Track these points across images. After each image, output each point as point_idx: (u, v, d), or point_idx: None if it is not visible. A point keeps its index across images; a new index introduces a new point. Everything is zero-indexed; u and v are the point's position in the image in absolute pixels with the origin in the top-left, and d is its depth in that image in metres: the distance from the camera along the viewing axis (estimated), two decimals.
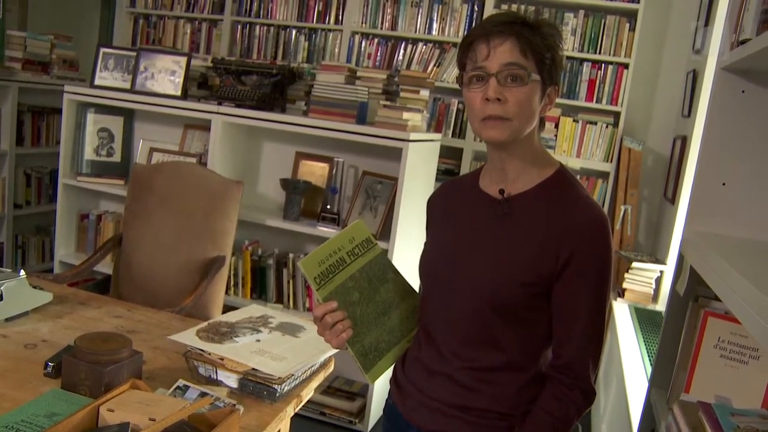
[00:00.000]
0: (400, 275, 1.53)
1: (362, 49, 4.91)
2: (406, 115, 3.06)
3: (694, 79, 3.82)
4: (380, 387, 3.24)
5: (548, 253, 1.28)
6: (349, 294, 1.40)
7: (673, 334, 1.53)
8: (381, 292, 1.47)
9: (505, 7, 4.52)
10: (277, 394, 1.61)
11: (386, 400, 1.58)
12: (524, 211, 1.34)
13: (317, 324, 1.39)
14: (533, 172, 1.36)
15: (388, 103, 3.17)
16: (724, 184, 1.46)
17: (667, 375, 1.51)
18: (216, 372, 1.65)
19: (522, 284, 1.29)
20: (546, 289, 1.30)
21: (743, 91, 1.41)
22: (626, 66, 4.29)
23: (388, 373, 1.54)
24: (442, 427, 1.39)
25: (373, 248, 1.48)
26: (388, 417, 1.56)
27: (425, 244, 1.53)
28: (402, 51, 4.80)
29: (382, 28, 4.85)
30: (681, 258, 1.52)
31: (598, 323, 1.31)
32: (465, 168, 4.53)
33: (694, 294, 1.41)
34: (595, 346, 1.32)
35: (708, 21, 3.77)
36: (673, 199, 3.86)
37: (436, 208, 1.55)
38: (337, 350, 1.75)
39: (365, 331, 1.42)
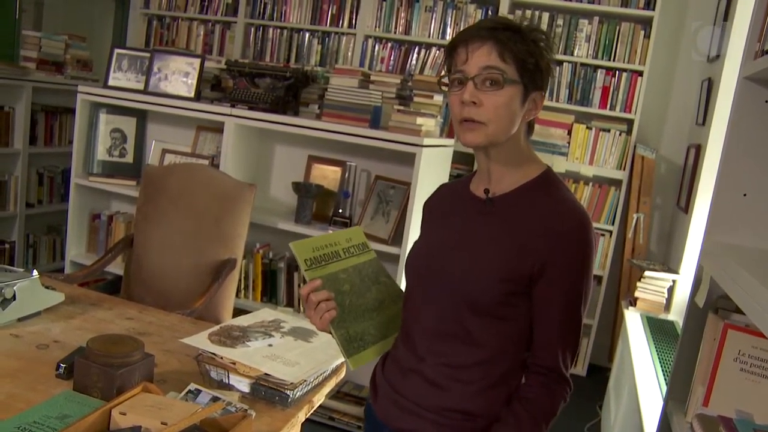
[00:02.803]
0: (393, 281, 1.58)
1: (375, 53, 4.90)
2: (419, 119, 3.05)
3: (709, 87, 3.80)
4: None
5: (528, 252, 1.30)
6: (340, 284, 1.44)
7: (690, 347, 1.51)
8: (372, 292, 1.51)
9: (519, 12, 4.52)
10: (289, 400, 1.60)
11: (365, 402, 1.61)
12: (507, 210, 1.36)
13: (305, 304, 1.42)
14: (517, 173, 1.38)
15: (401, 107, 3.16)
16: (745, 194, 1.44)
17: (684, 388, 1.49)
18: (228, 376, 1.64)
19: (498, 281, 1.31)
20: (523, 288, 1.32)
21: (767, 101, 1.40)
22: (640, 73, 4.27)
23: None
24: (410, 426, 1.41)
25: (368, 253, 1.54)
26: (367, 418, 1.59)
27: (413, 244, 1.55)
28: (415, 55, 4.79)
29: (395, 32, 4.85)
30: (700, 269, 1.50)
31: (576, 322, 1.33)
32: None
33: (713, 306, 1.39)
34: (573, 342, 1.34)
35: (723, 29, 3.74)
36: (687, 208, 3.84)
37: (429, 211, 1.58)
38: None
39: (352, 320, 1.44)
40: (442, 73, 1.29)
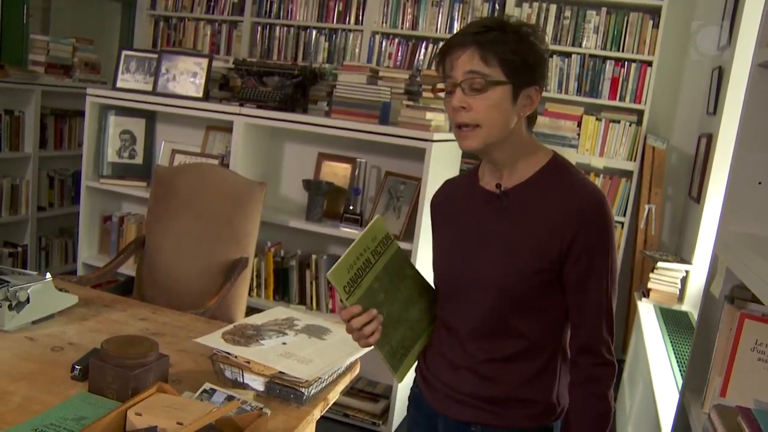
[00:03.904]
0: (416, 270, 1.56)
1: (383, 48, 4.89)
2: (429, 115, 3.04)
3: (720, 76, 3.77)
4: (403, 389, 3.22)
5: (553, 238, 1.33)
6: (375, 296, 1.41)
7: (706, 337, 1.50)
8: (402, 290, 1.50)
9: (526, 5, 4.49)
10: (304, 398, 1.60)
11: (411, 389, 1.62)
12: (523, 201, 1.38)
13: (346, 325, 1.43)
14: (526, 164, 1.40)
15: (410, 103, 3.15)
16: (760, 183, 1.42)
17: (701, 379, 1.48)
18: (242, 375, 1.64)
19: (533, 273, 1.34)
20: (558, 274, 1.35)
21: None
22: (650, 64, 4.24)
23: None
24: (470, 418, 1.44)
25: (392, 245, 1.50)
26: (415, 404, 1.61)
27: (434, 246, 1.56)
28: (423, 50, 4.78)
29: (402, 28, 4.84)
30: (715, 259, 1.49)
31: (609, 298, 1.36)
32: None
33: (729, 296, 1.38)
34: (608, 319, 1.36)
35: (734, 17, 3.71)
36: (699, 198, 3.81)
37: (439, 209, 1.59)
38: (365, 351, 1.75)
39: (392, 331, 1.44)
40: (435, 75, 1.35)
